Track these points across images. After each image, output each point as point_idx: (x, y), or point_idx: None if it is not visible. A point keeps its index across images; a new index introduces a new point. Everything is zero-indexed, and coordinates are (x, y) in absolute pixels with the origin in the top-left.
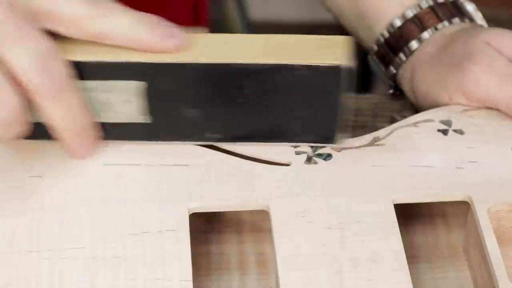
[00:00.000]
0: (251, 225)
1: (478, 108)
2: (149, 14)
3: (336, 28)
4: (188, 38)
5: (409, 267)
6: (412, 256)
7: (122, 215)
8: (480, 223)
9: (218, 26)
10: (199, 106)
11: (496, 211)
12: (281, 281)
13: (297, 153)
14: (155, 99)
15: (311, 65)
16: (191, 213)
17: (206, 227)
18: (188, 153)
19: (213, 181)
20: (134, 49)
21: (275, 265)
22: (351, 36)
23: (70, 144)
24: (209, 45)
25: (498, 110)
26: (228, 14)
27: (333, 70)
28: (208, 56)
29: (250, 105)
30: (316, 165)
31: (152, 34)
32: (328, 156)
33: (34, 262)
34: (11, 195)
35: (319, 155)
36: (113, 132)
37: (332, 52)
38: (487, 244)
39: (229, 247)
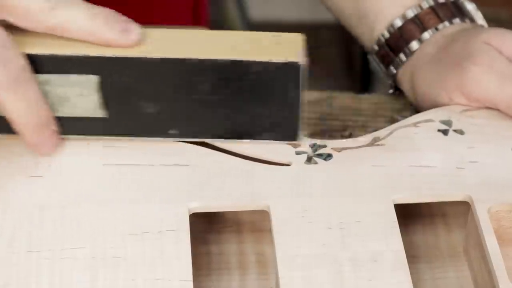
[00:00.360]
0: (251, 225)
1: (478, 108)
2: (106, 8)
3: (336, 28)
4: (145, 33)
5: (409, 267)
6: (412, 256)
7: (122, 215)
8: (481, 223)
9: (218, 26)
10: (155, 102)
11: (497, 211)
12: (281, 281)
13: (297, 153)
14: (112, 94)
15: (267, 62)
16: (191, 213)
17: (206, 227)
18: (188, 153)
19: (213, 181)
20: (91, 43)
21: (275, 265)
22: (302, 34)
23: (30, 138)
24: (166, 40)
25: (498, 110)
26: (228, 15)
27: (292, 67)
28: (163, 51)
29: (209, 102)
30: (316, 165)
31: (109, 28)
32: (328, 156)
33: (34, 262)
34: (11, 195)
35: (319, 155)
36: (72, 127)
37: (288, 49)
38: (487, 244)
39: (229, 247)
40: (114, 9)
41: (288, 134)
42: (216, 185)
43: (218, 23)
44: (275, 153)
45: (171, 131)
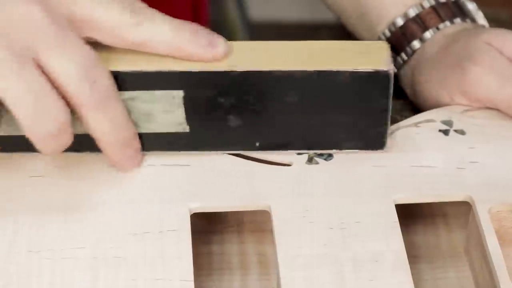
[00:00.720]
0: (252, 225)
1: (479, 108)
2: (189, 22)
3: (336, 28)
4: (230, 45)
5: (410, 267)
6: (413, 256)
7: (123, 215)
8: (481, 224)
9: (218, 26)
10: (240, 115)
11: (497, 211)
12: (282, 281)
13: (299, 153)
14: (195, 108)
15: (355, 71)
16: (192, 213)
17: (207, 227)
18: (189, 154)
19: (214, 182)
20: (174, 58)
21: (276, 265)
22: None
23: (115, 156)
24: (249, 52)
25: (498, 110)
26: (228, 15)
27: (381, 75)
28: (248, 64)
29: (294, 113)
30: (317, 165)
31: (193, 42)
32: (329, 156)
33: (35, 262)
34: (12, 195)
35: (320, 155)
36: (154, 142)
37: (375, 56)
38: (488, 245)
39: (230, 247)
40: None
41: (376, 142)
42: (217, 185)
43: (218, 23)
44: (276, 153)
45: (253, 144)
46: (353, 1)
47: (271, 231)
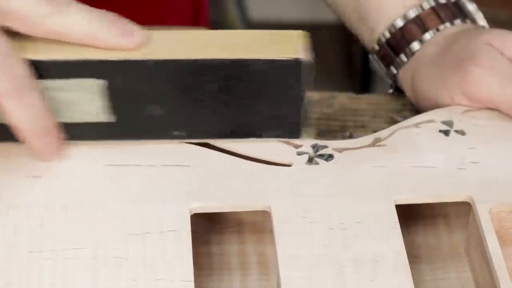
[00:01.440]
0: (252, 225)
1: (480, 108)
2: (107, 11)
3: (336, 28)
4: (148, 34)
5: (411, 268)
6: (413, 257)
7: (124, 215)
8: (482, 224)
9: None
10: (161, 104)
11: (498, 212)
12: (282, 282)
13: (299, 153)
14: (117, 97)
15: (268, 60)
16: (192, 213)
17: (208, 228)
18: (189, 154)
19: (214, 182)
20: (94, 47)
21: (276, 265)
22: (306, 31)
23: (35, 145)
24: (168, 41)
25: (499, 110)
26: (228, 15)
27: (293, 64)
28: (166, 53)
29: (213, 102)
30: (317, 165)
31: (111, 31)
32: (329, 157)
33: (36, 262)
34: (12, 195)
35: (321, 156)
36: (77, 132)
37: (291, 46)
38: (488, 245)
39: (230, 247)
40: (111, 10)
41: (292, 131)
42: (217, 185)
43: (218, 24)
44: (276, 153)
45: (176, 133)
46: (352, 2)
47: (271, 231)
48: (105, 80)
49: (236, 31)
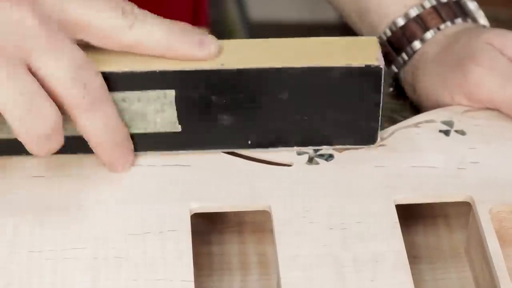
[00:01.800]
0: (252, 225)
1: (480, 108)
2: (181, 22)
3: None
4: (221, 44)
5: (411, 268)
6: (413, 257)
7: (124, 215)
8: (482, 224)
9: (219, 27)
10: (233, 113)
11: (498, 212)
12: (282, 282)
13: (299, 153)
14: (187, 107)
15: (347, 67)
16: (192, 213)
17: (208, 228)
18: (189, 154)
19: (214, 182)
20: (167, 58)
21: (276, 265)
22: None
23: (107, 157)
24: (240, 50)
25: (499, 111)
26: (228, 15)
27: (372, 71)
28: (240, 62)
29: (286, 110)
30: (317, 165)
31: (185, 41)
32: (329, 157)
33: (36, 262)
34: (12, 195)
35: (321, 156)
36: (146, 142)
37: (366, 52)
38: (488, 245)
39: (230, 247)
40: None
41: (367, 138)
42: (218, 185)
43: (218, 24)
44: (276, 153)
45: (246, 142)
46: (354, 0)
47: (271, 231)
48: (178, 90)
49: (309, 38)
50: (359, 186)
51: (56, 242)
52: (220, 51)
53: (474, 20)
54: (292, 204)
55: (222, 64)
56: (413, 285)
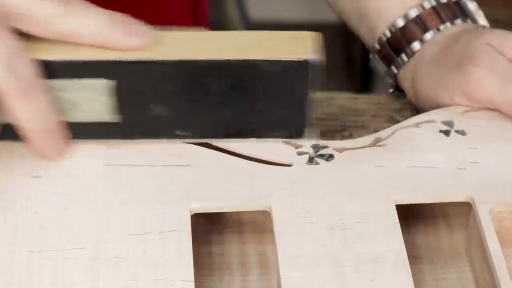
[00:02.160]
0: (252, 225)
1: (480, 109)
2: (115, 12)
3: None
4: (156, 35)
5: (411, 268)
6: (414, 257)
7: (124, 215)
8: (482, 224)
9: (218, 27)
10: (168, 104)
11: (498, 212)
12: (282, 282)
13: (299, 153)
14: (124, 97)
15: (276, 60)
16: (193, 213)
17: (208, 228)
18: (190, 154)
19: (214, 182)
20: (102, 47)
21: (277, 265)
22: (317, 32)
23: (39, 144)
24: (177, 42)
25: (499, 111)
26: (228, 15)
27: (300, 65)
28: (175, 53)
29: (219, 102)
30: (318, 165)
31: (120, 32)
32: (330, 157)
33: (36, 262)
34: (12, 195)
35: (321, 156)
36: (82, 131)
37: (300, 47)
38: (489, 245)
39: (230, 247)
40: (111, 9)
41: (295, 132)
42: (218, 185)
43: (218, 24)
44: (276, 153)
45: (179, 132)
46: (353, 2)
47: (271, 231)
48: (112, 80)
49: (244, 31)
50: (359, 186)
51: (56, 242)
52: (156, 42)
53: (474, 20)
54: (292, 204)
55: (156, 55)
56: (413, 285)
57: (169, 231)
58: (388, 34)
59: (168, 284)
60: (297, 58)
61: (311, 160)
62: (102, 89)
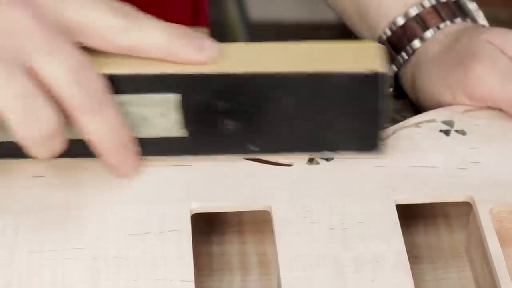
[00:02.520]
0: (253, 225)
1: (481, 108)
2: (180, 25)
3: (336, 28)
4: (222, 48)
5: (411, 268)
6: (414, 257)
7: (124, 215)
8: (482, 224)
9: (218, 27)
10: (236, 118)
11: (498, 212)
12: (283, 282)
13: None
14: (191, 112)
15: (348, 73)
16: (192, 213)
17: (208, 228)
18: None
19: (215, 182)
20: (167, 61)
21: (277, 265)
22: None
23: (112, 160)
24: (243, 54)
25: (500, 110)
26: (228, 15)
27: (374, 77)
28: (243, 66)
29: (289, 116)
30: (318, 165)
31: (186, 45)
32: (330, 157)
33: (36, 262)
34: (13, 195)
35: (321, 156)
36: (150, 147)
37: (368, 58)
38: (489, 245)
39: (231, 247)
40: None
41: (370, 145)
42: (218, 185)
43: (218, 24)
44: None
45: (251, 147)
46: (353, 1)
47: (271, 232)
48: (181, 94)
49: (312, 43)
50: (360, 186)
51: (56, 242)
52: (223, 55)
53: (473, 20)
54: (293, 204)
55: (224, 69)
56: (413, 285)
57: (169, 231)
58: (389, 32)
59: (168, 284)
60: (370, 71)
61: (311, 160)
62: (171, 103)
